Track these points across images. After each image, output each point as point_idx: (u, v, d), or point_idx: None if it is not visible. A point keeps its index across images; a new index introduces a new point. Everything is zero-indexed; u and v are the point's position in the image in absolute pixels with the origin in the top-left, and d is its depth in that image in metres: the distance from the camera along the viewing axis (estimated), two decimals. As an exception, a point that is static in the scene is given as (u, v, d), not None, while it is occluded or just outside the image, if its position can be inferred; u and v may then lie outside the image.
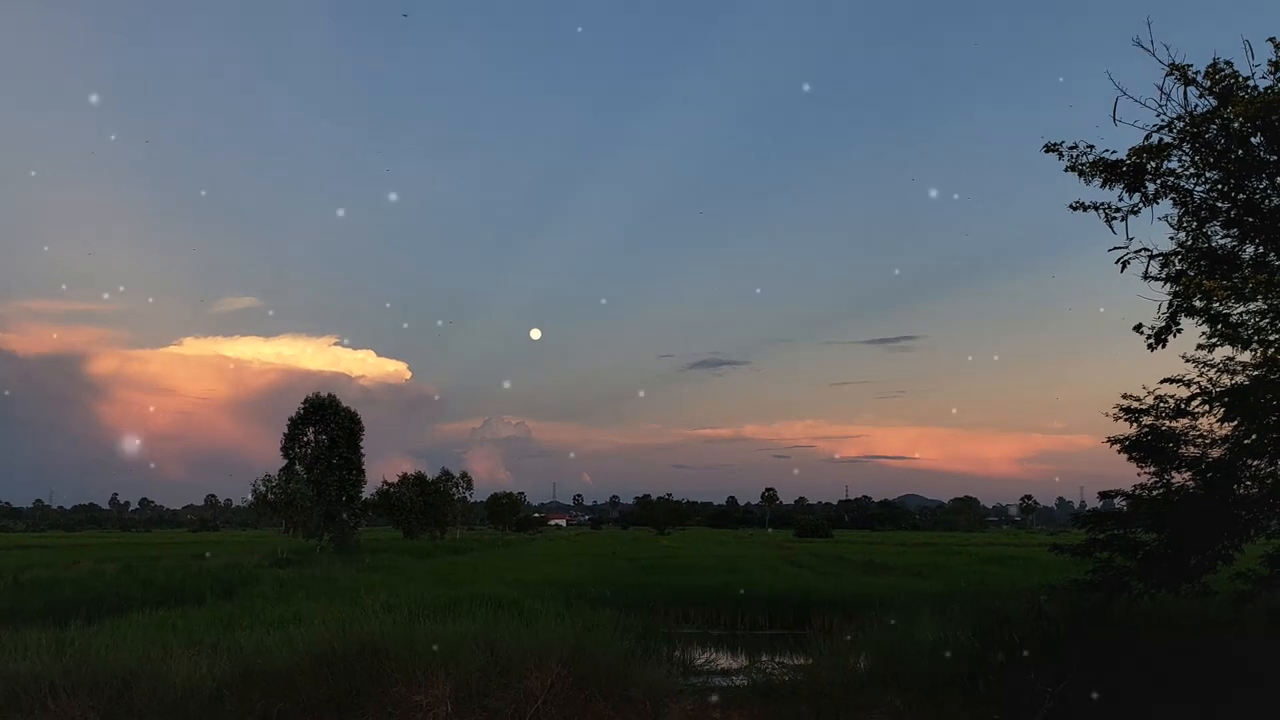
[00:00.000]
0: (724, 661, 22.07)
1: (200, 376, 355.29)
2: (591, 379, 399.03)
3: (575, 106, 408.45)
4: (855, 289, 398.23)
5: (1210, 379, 15.12)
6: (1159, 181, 13.91)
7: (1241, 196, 13.60)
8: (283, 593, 30.24)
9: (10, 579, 34.39)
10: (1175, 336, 14.34)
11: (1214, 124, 13.11)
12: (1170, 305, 14.15)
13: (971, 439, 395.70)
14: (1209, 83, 13.00)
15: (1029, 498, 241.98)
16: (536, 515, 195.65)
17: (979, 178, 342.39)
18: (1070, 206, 14.46)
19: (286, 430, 65.93)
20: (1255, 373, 14.29)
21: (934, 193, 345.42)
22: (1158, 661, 12.87)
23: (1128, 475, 16.27)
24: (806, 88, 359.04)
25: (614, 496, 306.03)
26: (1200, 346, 14.96)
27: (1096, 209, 14.30)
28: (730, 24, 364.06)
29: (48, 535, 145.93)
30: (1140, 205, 14.12)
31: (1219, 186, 13.81)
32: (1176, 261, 14.26)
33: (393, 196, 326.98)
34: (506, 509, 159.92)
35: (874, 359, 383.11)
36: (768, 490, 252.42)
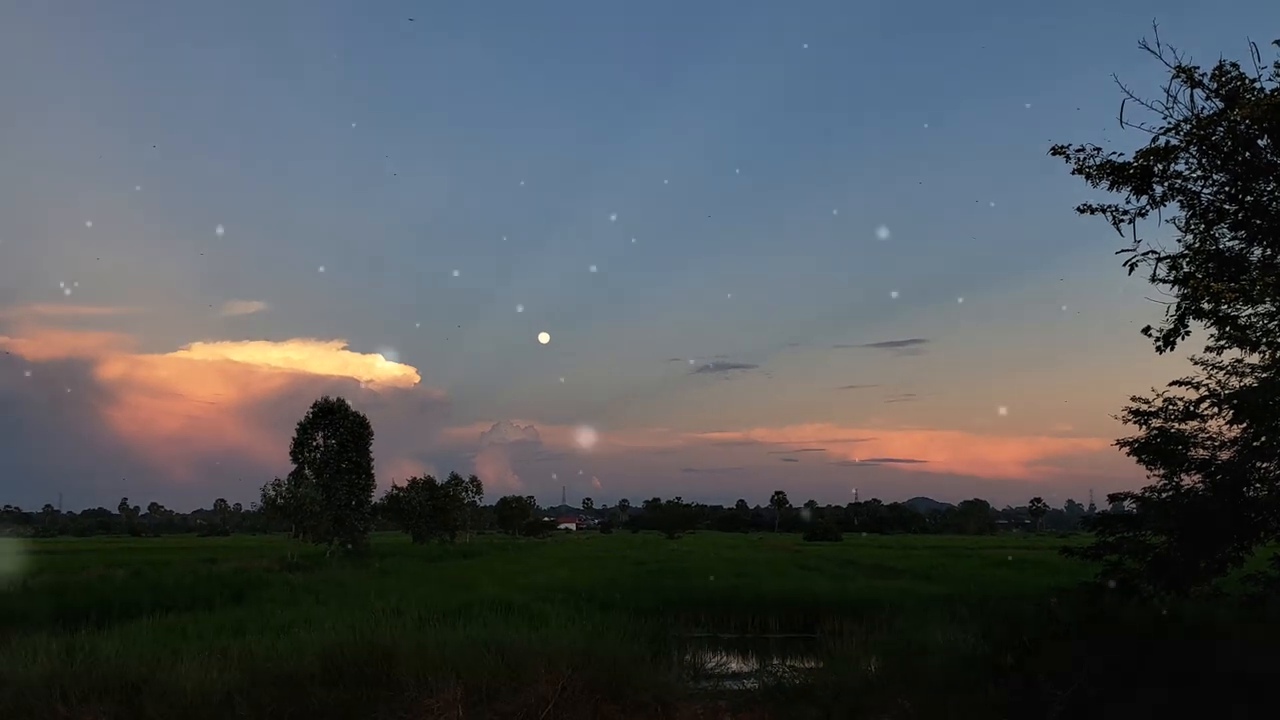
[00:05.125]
0: (734, 665, 22.06)
1: (209, 381, 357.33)
2: (600, 382, 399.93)
3: (584, 109, 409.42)
4: (864, 292, 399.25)
5: (1219, 381, 15.12)
6: (1166, 184, 13.91)
7: (1249, 199, 13.60)
8: (292, 597, 30.28)
9: (20, 584, 34.47)
10: (1184, 339, 14.34)
11: (1221, 126, 13.10)
12: (1178, 308, 14.14)
13: (981, 442, 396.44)
14: (1215, 85, 13.00)
15: (1038, 500, 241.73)
16: (546, 519, 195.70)
17: (987, 181, 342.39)
18: (1078, 209, 14.47)
19: (295, 435, 66.06)
20: (1264, 375, 14.29)
21: (942, 196, 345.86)
22: (1168, 664, 12.84)
23: (1137, 478, 16.29)
24: (815, 91, 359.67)
25: (623, 500, 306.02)
26: (1209, 349, 14.97)
27: (1104, 211, 14.29)
28: (739, 27, 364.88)
29: (57, 540, 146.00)
30: (1148, 208, 14.11)
31: (1226, 189, 13.81)
32: (1184, 264, 14.25)
33: (401, 200, 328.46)
34: (516, 513, 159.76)
35: (883, 362, 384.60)
36: (777, 494, 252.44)
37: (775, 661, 21.44)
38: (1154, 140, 13.53)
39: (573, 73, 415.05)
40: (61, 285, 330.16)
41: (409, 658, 13.66)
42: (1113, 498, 17.06)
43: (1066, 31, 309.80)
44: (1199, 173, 13.79)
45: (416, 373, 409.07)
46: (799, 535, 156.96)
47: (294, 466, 65.39)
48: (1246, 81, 12.84)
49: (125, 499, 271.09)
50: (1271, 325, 13.78)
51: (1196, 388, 15.29)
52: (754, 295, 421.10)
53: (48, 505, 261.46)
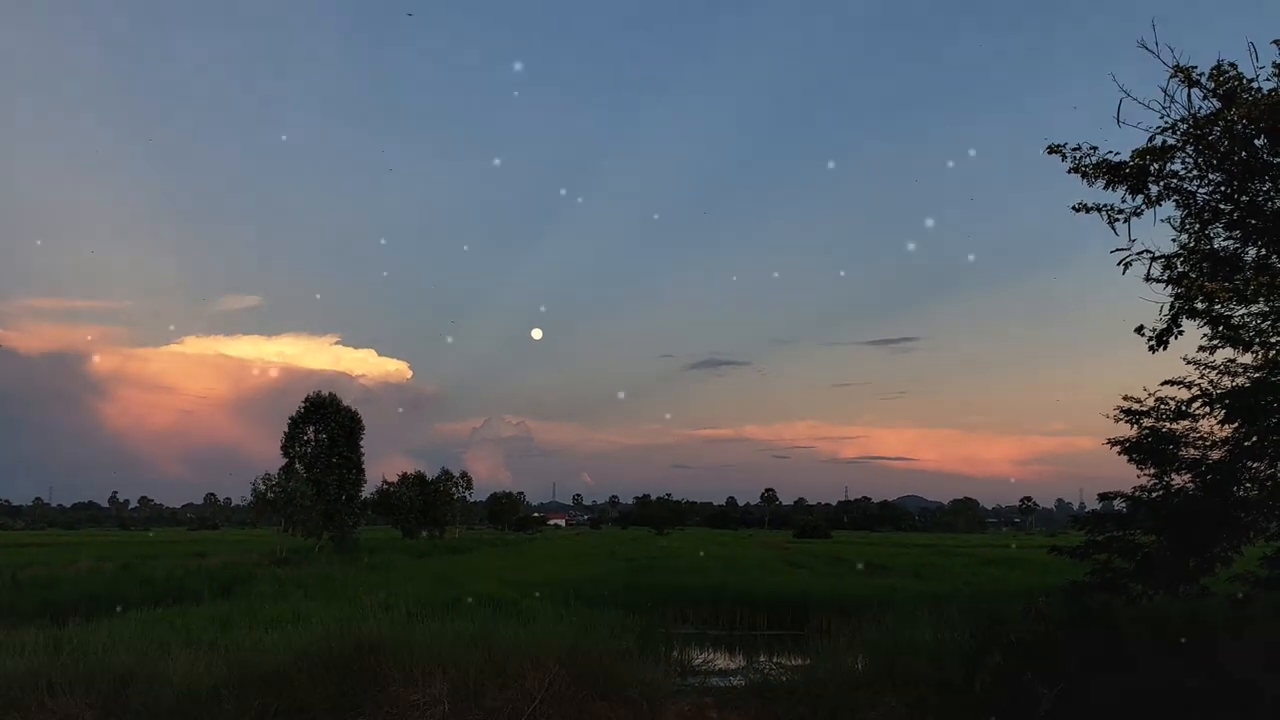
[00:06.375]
0: (721, 662, 22.04)
1: (201, 375, 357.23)
2: (592, 379, 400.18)
3: (579, 107, 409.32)
4: (856, 290, 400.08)
5: (1211, 381, 15.09)
6: (1162, 183, 13.86)
7: (1244, 199, 13.57)
8: (281, 592, 30.23)
9: (8, 577, 34.35)
10: (1177, 338, 14.31)
11: (1217, 126, 13.06)
12: (1172, 307, 14.12)
13: (971, 440, 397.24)
14: (1213, 84, 12.96)
15: (1028, 499, 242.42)
16: (536, 515, 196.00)
17: (981, 179, 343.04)
18: (1073, 208, 14.42)
19: (286, 429, 65.81)
20: (1256, 375, 14.26)
21: (936, 194, 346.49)
22: (1156, 664, 12.83)
23: (1127, 477, 16.25)
24: (809, 89, 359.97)
25: (613, 496, 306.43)
26: (1201, 348, 14.94)
27: (1099, 211, 14.25)
28: (734, 27, 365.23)
29: (47, 533, 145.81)
30: (1143, 207, 14.07)
31: (1222, 189, 13.78)
32: (1179, 263, 14.22)
33: (395, 195, 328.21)
34: (506, 509, 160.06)
35: (875, 360, 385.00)
36: (767, 491, 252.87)
37: (763, 659, 21.41)
38: (1150, 139, 13.49)
39: (568, 71, 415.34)
40: (54, 279, 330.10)
41: (396, 653, 13.60)
42: (1103, 497, 17.04)
43: (1064, 30, 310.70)
44: (1195, 172, 13.76)
45: (409, 368, 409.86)
46: (789, 532, 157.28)
47: (285, 461, 65.23)
48: (1244, 81, 12.79)
49: (115, 492, 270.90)
50: (1265, 325, 13.76)
51: (1188, 387, 15.26)
52: (746, 292, 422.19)
53: (37, 498, 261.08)
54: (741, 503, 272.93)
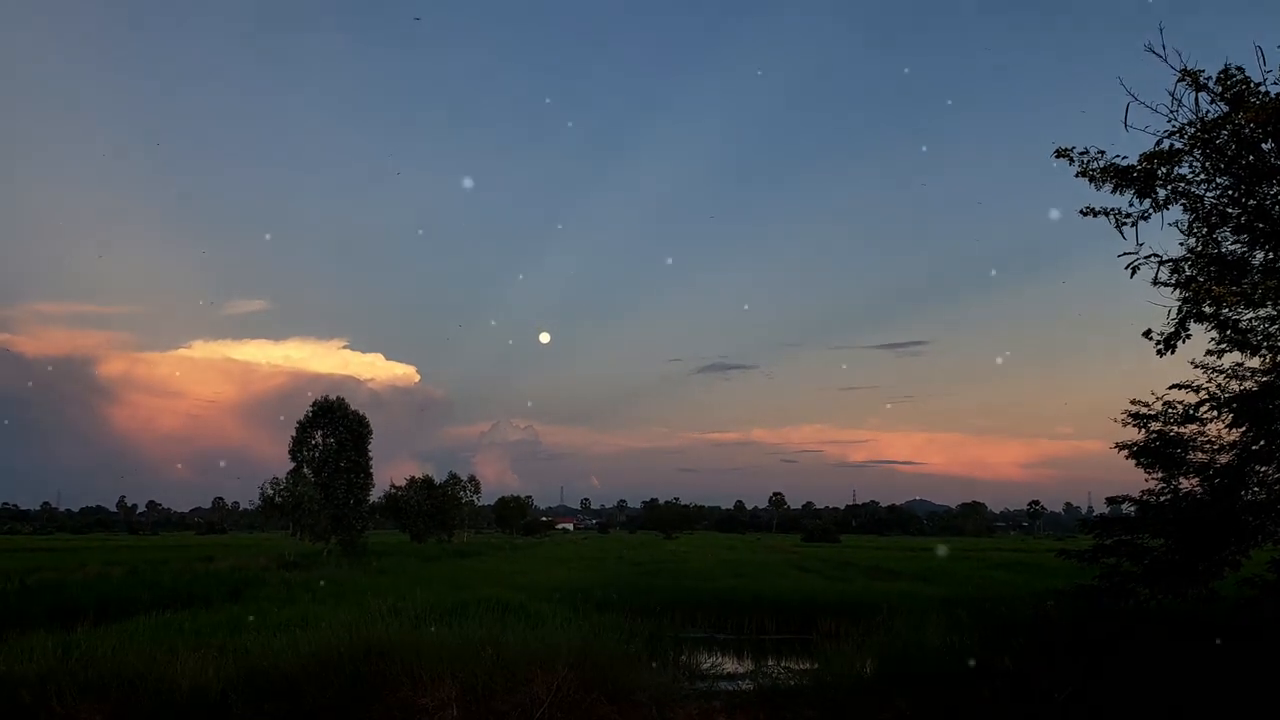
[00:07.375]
0: (730, 666, 21.99)
1: (209, 379, 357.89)
2: (600, 382, 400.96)
3: (586, 110, 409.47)
4: (864, 294, 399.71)
5: (1219, 385, 15.10)
6: (1170, 187, 13.87)
7: (1252, 202, 13.57)
8: (289, 595, 30.21)
9: (17, 582, 34.38)
10: (1184, 342, 14.32)
11: (1225, 130, 13.07)
12: (1180, 311, 14.12)
13: (979, 444, 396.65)
14: (1220, 88, 12.96)
15: (1036, 503, 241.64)
16: (544, 519, 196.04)
17: (989, 183, 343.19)
18: (1081, 212, 14.43)
19: (294, 433, 65.94)
20: (1264, 379, 14.27)
21: (944, 198, 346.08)
22: (1164, 667, 12.81)
23: (1135, 481, 16.26)
24: (816, 93, 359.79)
25: (621, 500, 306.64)
26: (1209, 352, 14.95)
27: (1107, 214, 14.26)
28: (740, 30, 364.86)
29: (55, 538, 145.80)
30: (1151, 211, 14.08)
31: (1229, 192, 13.78)
32: (1186, 267, 14.22)
33: (402, 199, 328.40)
34: (514, 512, 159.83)
35: (882, 364, 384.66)
36: (775, 495, 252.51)
37: (771, 663, 21.35)
38: (1158, 143, 13.51)
39: (576, 74, 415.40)
40: (61, 283, 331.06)
41: (404, 657, 13.62)
42: (1111, 501, 17.04)
43: (1072, 34, 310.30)
44: (1202, 176, 13.77)
45: (417, 372, 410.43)
46: (797, 536, 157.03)
47: (293, 465, 65.28)
48: (1251, 85, 12.80)
49: (123, 497, 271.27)
50: (1273, 329, 13.77)
51: (1196, 391, 15.27)
52: (754, 296, 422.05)
53: (45, 503, 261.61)
54: (749, 506, 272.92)
